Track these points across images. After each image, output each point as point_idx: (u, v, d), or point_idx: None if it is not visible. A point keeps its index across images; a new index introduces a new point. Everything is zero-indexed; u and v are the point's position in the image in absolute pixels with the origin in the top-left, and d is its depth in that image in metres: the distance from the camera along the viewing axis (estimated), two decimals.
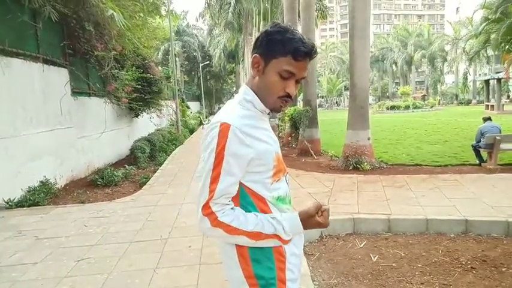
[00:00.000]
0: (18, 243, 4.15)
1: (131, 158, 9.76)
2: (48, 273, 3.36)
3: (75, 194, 6.41)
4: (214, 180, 1.13)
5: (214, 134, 1.14)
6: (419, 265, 3.45)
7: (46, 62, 6.84)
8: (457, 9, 66.58)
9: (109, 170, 7.47)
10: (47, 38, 6.91)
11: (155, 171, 8.48)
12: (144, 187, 6.94)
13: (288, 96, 1.21)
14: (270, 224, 1.17)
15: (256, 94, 1.23)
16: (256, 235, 1.16)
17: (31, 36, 6.57)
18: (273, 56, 1.17)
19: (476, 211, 4.51)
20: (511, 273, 3.21)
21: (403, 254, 3.71)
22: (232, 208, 1.17)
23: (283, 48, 1.15)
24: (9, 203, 5.57)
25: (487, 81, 34.29)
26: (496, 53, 25.81)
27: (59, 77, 7.32)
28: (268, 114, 1.27)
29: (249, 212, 1.20)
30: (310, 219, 1.21)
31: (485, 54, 34.40)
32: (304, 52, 1.16)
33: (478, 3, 22.44)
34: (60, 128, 7.16)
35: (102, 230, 4.52)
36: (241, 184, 1.19)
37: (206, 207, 1.13)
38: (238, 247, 1.20)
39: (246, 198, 1.21)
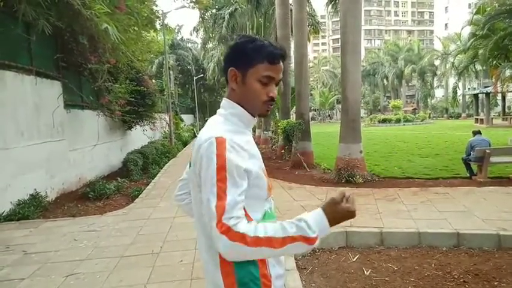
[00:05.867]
0: (6, 258, 4.06)
1: (124, 171, 9.68)
2: None
3: (65, 208, 6.32)
4: (222, 195, 1.07)
5: (211, 150, 1.10)
6: (412, 279, 3.44)
7: (39, 74, 6.82)
8: (446, 25, 68.06)
9: (101, 182, 7.40)
10: (40, 50, 6.91)
11: (148, 184, 8.42)
12: (136, 200, 6.87)
13: (272, 99, 1.24)
14: (291, 224, 1.08)
15: (240, 105, 1.24)
16: (279, 241, 1.05)
17: (24, 49, 6.57)
18: (250, 65, 1.20)
19: (467, 224, 4.54)
20: (503, 287, 3.22)
21: (395, 268, 3.70)
22: (245, 220, 1.09)
23: (258, 55, 1.19)
24: None
25: (476, 96, 34.95)
26: (484, 67, 26.41)
27: (52, 89, 7.30)
28: (252, 130, 1.29)
29: None
30: (336, 208, 1.11)
31: (473, 69, 35.06)
32: (279, 54, 1.21)
33: (466, 19, 23.06)
34: (52, 141, 7.10)
35: (92, 244, 4.45)
36: None
37: (220, 224, 1.04)
38: (224, 273, 1.16)
39: None
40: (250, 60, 1.19)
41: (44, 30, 6.01)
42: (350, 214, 1.13)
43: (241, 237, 1.03)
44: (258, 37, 1.24)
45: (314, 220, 1.09)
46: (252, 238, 1.03)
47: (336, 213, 1.11)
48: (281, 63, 1.23)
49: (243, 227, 1.05)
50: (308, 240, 1.06)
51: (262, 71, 1.19)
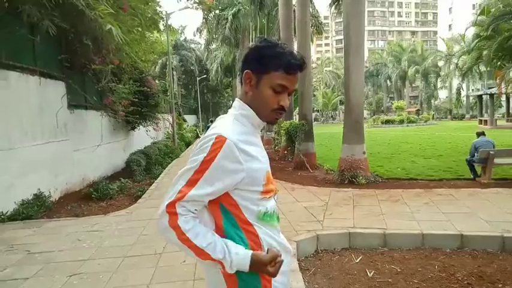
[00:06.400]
0: (10, 257, 4.08)
1: (127, 171, 9.71)
2: None
3: (69, 208, 6.34)
4: (191, 183, 1.12)
5: (208, 144, 1.13)
6: (416, 281, 3.43)
7: (43, 75, 6.86)
8: (450, 26, 67.83)
9: (104, 183, 7.42)
10: (44, 51, 6.95)
11: (151, 184, 8.44)
12: (139, 200, 6.89)
13: (282, 108, 1.22)
14: (222, 250, 1.13)
15: (251, 108, 1.23)
16: (204, 254, 1.13)
17: (28, 50, 6.61)
18: (265, 71, 1.18)
19: (471, 226, 4.52)
20: None
21: (399, 270, 3.69)
22: (195, 217, 1.14)
23: (275, 62, 1.17)
24: (2, 216, 5.49)
25: (480, 97, 34.77)
26: (488, 69, 26.30)
27: (56, 90, 7.34)
28: (261, 130, 1.28)
29: (234, 231, 1.19)
30: (261, 266, 1.16)
31: (477, 70, 34.95)
32: (296, 65, 1.18)
33: (470, 20, 22.98)
34: (55, 141, 7.13)
35: (95, 244, 4.46)
36: (229, 201, 1.18)
37: (172, 205, 1.11)
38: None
39: (230, 220, 1.20)
40: (267, 66, 1.18)
41: (48, 30, 6.04)
42: (269, 275, 1.19)
43: (178, 228, 1.11)
44: (280, 43, 1.22)
45: (238, 263, 1.14)
46: (184, 236, 1.12)
47: (259, 268, 1.17)
48: (298, 74, 1.21)
49: (185, 222, 1.12)
50: (224, 269, 1.15)
51: (276, 79, 1.18)
